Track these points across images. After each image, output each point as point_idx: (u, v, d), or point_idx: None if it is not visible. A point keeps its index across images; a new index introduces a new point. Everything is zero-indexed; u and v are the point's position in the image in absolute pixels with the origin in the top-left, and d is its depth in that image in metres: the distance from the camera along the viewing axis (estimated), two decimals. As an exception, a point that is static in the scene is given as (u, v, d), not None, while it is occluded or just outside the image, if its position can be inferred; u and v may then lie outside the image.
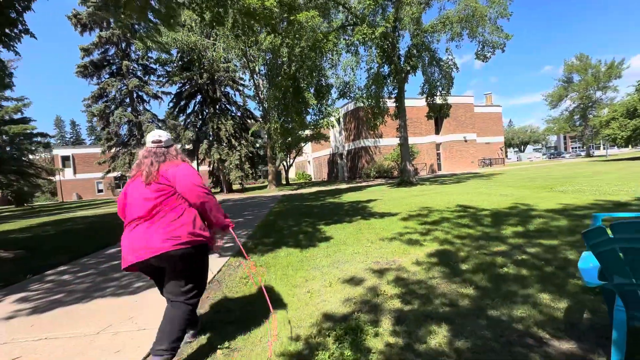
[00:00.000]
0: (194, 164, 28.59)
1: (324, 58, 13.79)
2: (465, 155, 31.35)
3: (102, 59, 20.47)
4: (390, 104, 19.08)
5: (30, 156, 40.92)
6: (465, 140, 31.09)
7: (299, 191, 20.13)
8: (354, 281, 3.31)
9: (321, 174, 39.02)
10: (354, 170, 29.89)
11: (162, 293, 2.17)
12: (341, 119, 31.93)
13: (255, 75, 21.80)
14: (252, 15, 9.47)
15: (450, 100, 20.03)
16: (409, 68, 16.45)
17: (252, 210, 10.76)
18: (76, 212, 17.26)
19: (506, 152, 53.31)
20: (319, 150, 38.27)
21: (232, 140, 23.43)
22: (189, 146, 24.89)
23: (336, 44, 13.62)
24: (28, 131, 19.98)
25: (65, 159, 43.08)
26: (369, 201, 10.30)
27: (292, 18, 11.14)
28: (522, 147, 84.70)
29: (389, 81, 17.00)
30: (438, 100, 19.28)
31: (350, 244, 4.83)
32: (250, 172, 25.20)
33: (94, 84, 20.51)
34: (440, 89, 18.92)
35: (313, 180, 40.03)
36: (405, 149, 17.18)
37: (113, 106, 20.98)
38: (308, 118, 17.03)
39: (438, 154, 31.30)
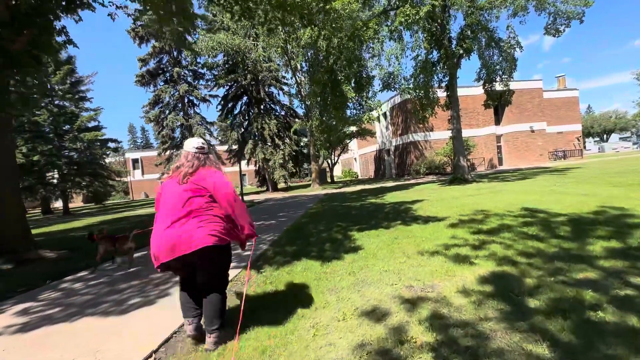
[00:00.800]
0: (243, 163, 29.46)
1: (364, 47, 12.82)
2: (532, 147, 27.70)
3: (156, 67, 22.05)
4: (441, 93, 17.38)
5: (107, 160, 46.21)
6: (532, 131, 27.45)
7: (342, 190, 19.44)
8: (375, 315, 2.55)
9: (368, 171, 37.79)
10: (402, 167, 28.25)
11: (186, 288, 2.34)
12: (387, 113, 30.42)
13: (297, 73, 21.58)
14: (283, 7, 9.00)
15: (514, 85, 17.66)
16: (461, 51, 14.70)
17: (288, 212, 10.36)
18: (136, 211, 18.73)
19: (584, 142, 46.35)
20: (365, 146, 37.06)
21: (276, 139, 23.56)
22: (235, 147, 25.68)
23: (377, 31, 12.57)
24: (99, 137, 22.24)
25: (135, 161, 48.06)
26: (414, 202, 9.22)
27: (327, 7, 10.45)
28: (605, 136, 73.13)
29: (438, 68, 15.41)
30: (498, 86, 17.06)
31: (382, 258, 4.03)
32: (294, 170, 25.16)
33: (151, 92, 22.30)
34: (500, 73, 16.73)
35: (359, 178, 38.98)
36: (459, 142, 15.45)
37: (167, 111, 22.51)
38: (348, 113, 16.19)
39: (498, 147, 28.13)
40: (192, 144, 2.32)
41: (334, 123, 14.47)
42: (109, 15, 6.28)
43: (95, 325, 2.74)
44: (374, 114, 16.38)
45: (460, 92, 20.69)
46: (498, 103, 23.47)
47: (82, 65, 64.91)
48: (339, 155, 33.63)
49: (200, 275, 2.25)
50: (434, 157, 25.13)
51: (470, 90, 26.84)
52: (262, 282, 3.57)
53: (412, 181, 20.95)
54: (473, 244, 4.22)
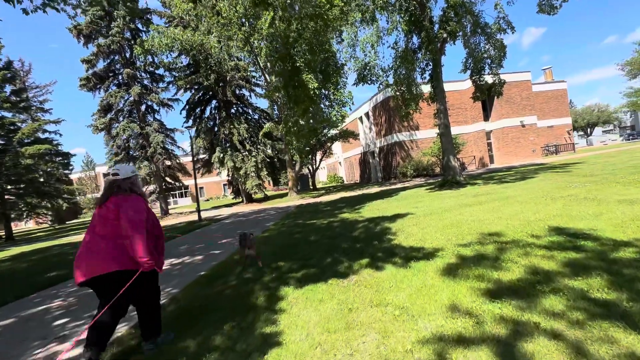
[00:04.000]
0: (222, 173, 26.94)
1: (331, 31, 10.70)
2: (524, 143, 26.08)
3: (106, 69, 19.29)
4: (425, 88, 15.45)
5: (72, 176, 42.66)
6: (523, 126, 25.85)
7: (320, 199, 17.22)
8: None
9: (354, 175, 35.71)
10: (388, 170, 26.24)
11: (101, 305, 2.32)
12: (370, 113, 28.50)
13: (267, 72, 19.35)
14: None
15: (502, 77, 15.85)
16: (445, 35, 12.77)
17: (236, 236, 8.03)
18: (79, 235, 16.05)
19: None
20: (350, 149, 35.03)
21: (247, 145, 21.20)
22: (203, 155, 23.21)
23: (345, 11, 10.49)
24: (41, 150, 19.37)
25: (105, 175, 44.83)
26: (394, 218, 7.03)
27: (279, -23, 8.31)
28: (589, 129, 73.14)
29: (420, 56, 13.45)
30: (487, 78, 15.31)
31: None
32: (270, 178, 22.80)
33: (101, 98, 19.46)
34: (488, 62, 15.00)
35: (345, 183, 36.87)
36: (447, 139, 13.46)
37: (121, 118, 19.82)
38: (316, 108, 13.81)
39: (489, 144, 26.44)
40: (111, 171, 2.48)
41: (300, 122, 12.25)
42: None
43: None
44: (346, 109, 13.97)
45: (446, 87, 18.81)
46: (487, 96, 21.79)
47: (48, 74, 61.38)
48: (320, 160, 31.45)
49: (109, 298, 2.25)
50: (421, 158, 23.21)
51: (457, 85, 25.16)
52: None
53: (399, 185, 18.90)
54: (497, 337, 2.02)
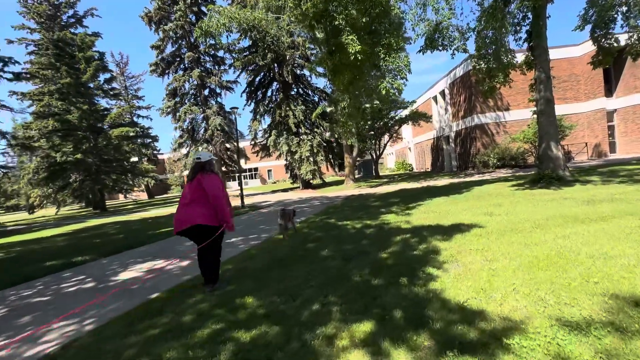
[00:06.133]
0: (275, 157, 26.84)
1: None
2: (667, 126, 19.24)
3: (173, 54, 20.15)
4: (519, 57, 11.86)
5: (164, 156, 47.89)
6: (668, 102, 18.99)
7: (376, 189, 15.19)
8: None
9: (424, 162, 32.02)
10: (464, 158, 22.37)
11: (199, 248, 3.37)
12: (446, 91, 24.53)
13: (324, 47, 17.57)
14: None
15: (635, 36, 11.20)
16: (555, -28, 9.17)
17: (245, 237, 6.82)
18: (149, 211, 17.26)
19: None
20: (421, 134, 31.33)
21: (303, 128, 20.05)
22: (261, 139, 22.94)
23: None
24: (124, 133, 21.39)
25: (186, 155, 49.63)
26: (451, 231, 4.84)
27: None
28: None
29: (513, 6, 10.09)
30: (621, 36, 11.06)
31: None
32: (327, 163, 21.39)
33: (169, 82, 20.54)
34: (622, 10, 10.78)
35: (414, 171, 33.44)
36: (548, 119, 10.00)
37: (187, 102, 20.63)
38: (364, 80, 11.23)
39: (610, 127, 20.27)
40: (194, 157, 3.47)
41: (348, 99, 10.24)
42: None
43: None
44: (403, 82, 11.02)
45: (551, 54, 14.36)
46: (612, 63, 16.35)
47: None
48: (385, 145, 28.75)
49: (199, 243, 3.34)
50: (510, 144, 18.96)
51: (565, 50, 19.71)
52: None
53: (476, 177, 15.57)
54: None
